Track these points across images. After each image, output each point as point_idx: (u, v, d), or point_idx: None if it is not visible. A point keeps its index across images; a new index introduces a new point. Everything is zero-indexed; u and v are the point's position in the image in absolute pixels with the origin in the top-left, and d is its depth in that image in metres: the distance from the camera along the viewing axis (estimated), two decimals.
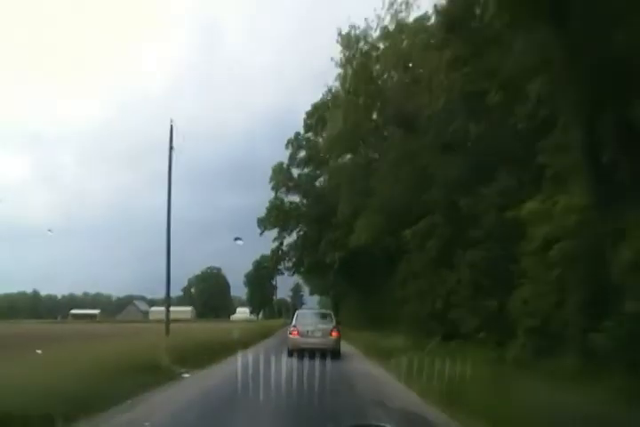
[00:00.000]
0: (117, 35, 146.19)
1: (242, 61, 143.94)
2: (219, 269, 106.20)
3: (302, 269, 44.02)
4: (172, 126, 12.92)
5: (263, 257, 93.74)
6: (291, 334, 15.61)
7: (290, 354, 14.68)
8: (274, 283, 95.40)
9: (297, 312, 17.59)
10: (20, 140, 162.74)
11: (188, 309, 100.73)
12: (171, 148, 13.37)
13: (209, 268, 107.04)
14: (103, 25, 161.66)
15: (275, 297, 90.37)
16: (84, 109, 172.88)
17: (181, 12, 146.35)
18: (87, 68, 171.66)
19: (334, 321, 16.42)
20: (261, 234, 42.06)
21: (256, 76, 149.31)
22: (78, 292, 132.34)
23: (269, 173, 41.29)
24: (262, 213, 42.34)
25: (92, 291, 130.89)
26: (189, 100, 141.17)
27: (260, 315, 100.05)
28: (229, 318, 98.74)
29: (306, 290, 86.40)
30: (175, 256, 17.46)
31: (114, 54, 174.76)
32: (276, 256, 44.28)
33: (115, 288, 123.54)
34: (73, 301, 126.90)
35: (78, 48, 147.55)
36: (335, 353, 14.92)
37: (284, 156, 40.44)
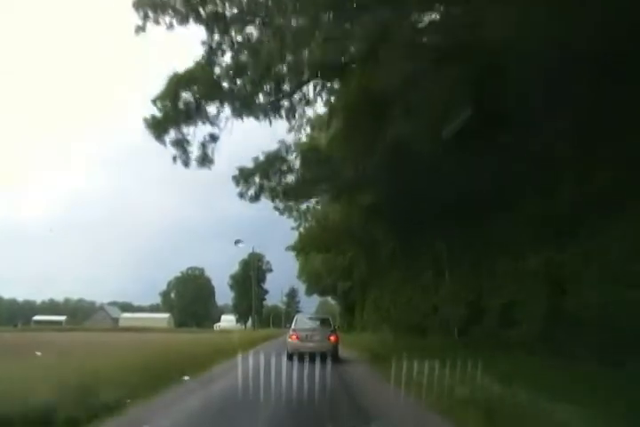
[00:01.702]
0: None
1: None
2: (202, 271, 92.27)
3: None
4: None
5: (252, 255, 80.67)
6: (290, 338, 15.95)
7: (289, 358, 14.74)
8: (264, 286, 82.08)
9: (296, 317, 18.07)
10: None
11: (165, 316, 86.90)
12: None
13: (190, 268, 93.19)
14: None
15: (261, 302, 76.52)
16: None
17: None
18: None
19: (333, 326, 17.09)
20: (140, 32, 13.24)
21: None
22: (59, 297, 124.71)
23: None
24: None
25: (75, 297, 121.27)
26: None
27: (249, 323, 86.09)
28: (213, 326, 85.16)
29: (301, 291, 72.78)
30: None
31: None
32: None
33: (100, 294, 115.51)
34: (54, 306, 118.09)
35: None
36: (333, 357, 14.74)
37: None
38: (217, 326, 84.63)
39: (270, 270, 79.62)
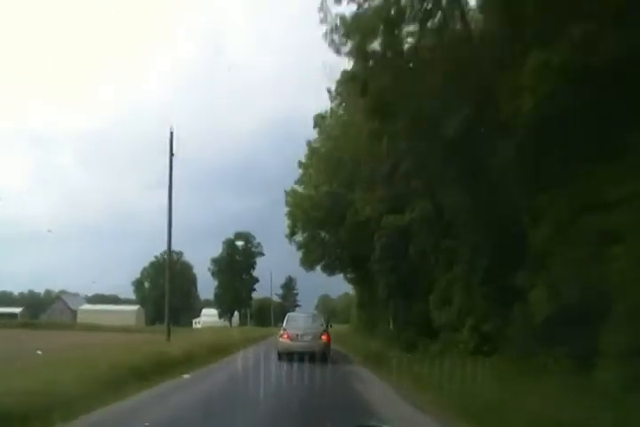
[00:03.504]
0: (119, 36, 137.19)
1: (243, 64, 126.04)
2: (180, 254, 76.91)
3: None
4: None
5: (238, 235, 65.73)
6: (281, 337, 15.74)
7: (280, 358, 14.90)
8: (253, 274, 67.21)
9: (287, 315, 17.57)
10: None
11: (132, 308, 71.73)
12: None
13: (166, 253, 77.85)
14: (103, 26, 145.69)
15: (249, 293, 61.90)
16: (86, 112, 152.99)
17: (183, 16, 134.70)
18: (88, 69, 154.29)
19: (324, 324, 16.42)
20: None
21: (258, 78, 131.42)
22: (40, 289, 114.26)
23: None
24: None
25: (56, 288, 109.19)
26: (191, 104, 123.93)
27: (236, 318, 71.29)
28: (192, 323, 70.55)
29: (298, 280, 57.63)
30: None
31: (115, 56, 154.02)
32: None
33: (86, 287, 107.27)
34: (32, 298, 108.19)
35: (80, 49, 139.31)
36: (324, 357, 14.80)
37: None
38: (196, 322, 70.13)
39: (261, 254, 64.70)
